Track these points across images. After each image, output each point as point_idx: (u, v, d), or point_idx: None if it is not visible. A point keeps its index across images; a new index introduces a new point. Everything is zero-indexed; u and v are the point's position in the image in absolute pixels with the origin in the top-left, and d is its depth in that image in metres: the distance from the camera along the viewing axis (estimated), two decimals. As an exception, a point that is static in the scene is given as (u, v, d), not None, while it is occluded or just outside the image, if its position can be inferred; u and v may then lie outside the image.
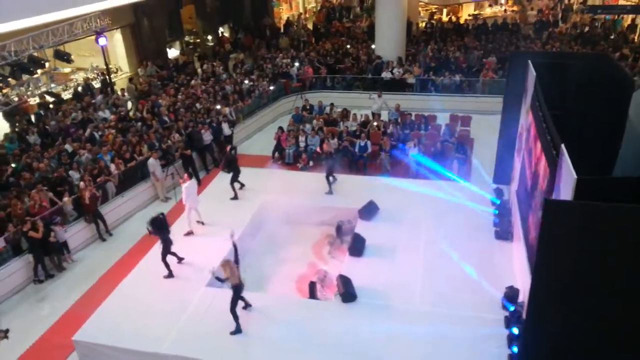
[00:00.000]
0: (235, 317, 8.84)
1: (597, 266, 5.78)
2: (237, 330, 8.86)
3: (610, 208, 5.56)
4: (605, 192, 5.88)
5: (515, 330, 8.15)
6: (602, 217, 5.60)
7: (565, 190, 6.57)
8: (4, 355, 9.50)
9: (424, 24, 27.12)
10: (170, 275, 10.35)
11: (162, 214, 10.37)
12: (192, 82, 19.68)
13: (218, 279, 8.78)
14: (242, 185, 13.35)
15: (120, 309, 9.60)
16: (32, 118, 16.96)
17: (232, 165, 13.19)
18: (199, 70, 21.62)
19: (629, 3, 24.96)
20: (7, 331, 8.97)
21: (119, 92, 18.79)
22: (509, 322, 8.52)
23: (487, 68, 19.70)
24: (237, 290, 8.73)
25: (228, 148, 13.58)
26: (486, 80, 19.44)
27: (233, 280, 8.63)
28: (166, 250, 10.23)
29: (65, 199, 12.50)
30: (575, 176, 6.10)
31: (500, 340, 8.34)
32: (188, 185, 11.64)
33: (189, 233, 11.68)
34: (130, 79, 20.19)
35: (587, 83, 10.14)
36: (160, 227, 10.10)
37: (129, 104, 18.39)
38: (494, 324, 8.67)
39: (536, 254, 6.09)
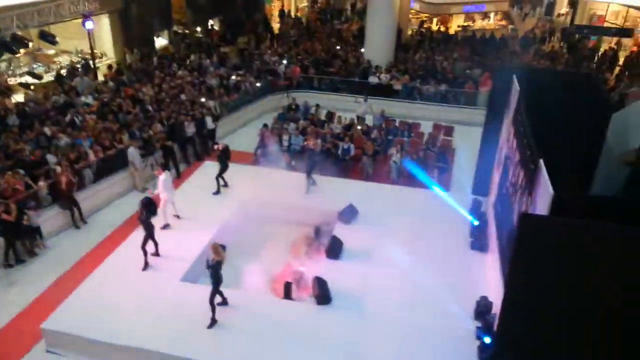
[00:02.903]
0: (213, 309, 8.84)
1: (570, 282, 5.86)
2: (213, 322, 8.87)
3: (586, 225, 5.65)
4: (581, 210, 5.99)
5: (487, 340, 8.25)
6: (576, 234, 5.68)
7: (542, 205, 6.68)
8: (-33, 340, 9.30)
9: (414, 32, 27.33)
10: (146, 266, 10.26)
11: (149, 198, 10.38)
12: (179, 72, 19.50)
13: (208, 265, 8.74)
14: (226, 183, 13.31)
15: (92, 299, 9.45)
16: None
17: (224, 159, 13.10)
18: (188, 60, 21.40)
19: (613, 25, 25.52)
20: None
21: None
22: (480, 333, 8.62)
23: (486, 78, 19.74)
24: (217, 270, 8.66)
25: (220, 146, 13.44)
26: (470, 92, 19.64)
27: (218, 258, 8.62)
28: (149, 236, 10.15)
29: (41, 183, 12.27)
30: (552, 192, 6.21)
31: (471, 350, 8.43)
32: (164, 178, 11.52)
33: (166, 226, 11.57)
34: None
35: (569, 101, 10.32)
36: (151, 210, 10.04)
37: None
38: (465, 333, 8.78)
39: (510, 266, 6.17)
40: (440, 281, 9.87)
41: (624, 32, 24.11)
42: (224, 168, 13.16)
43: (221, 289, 8.96)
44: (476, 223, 11.63)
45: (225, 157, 13.16)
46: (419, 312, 9.26)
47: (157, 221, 11.29)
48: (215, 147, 13.24)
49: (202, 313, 8.88)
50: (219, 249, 8.70)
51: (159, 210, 11.60)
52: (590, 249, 5.65)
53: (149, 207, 10.05)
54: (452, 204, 12.50)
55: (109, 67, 19.54)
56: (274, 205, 12.28)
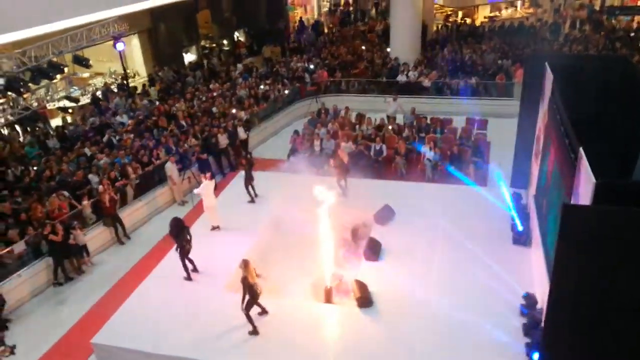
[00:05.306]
0: (249, 318, 8.91)
1: (617, 273, 5.68)
2: (254, 332, 8.93)
3: (631, 213, 5.46)
4: (625, 197, 5.79)
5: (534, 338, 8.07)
6: (621, 222, 5.49)
7: (584, 194, 6.49)
8: (23, 357, 9.67)
9: (439, 27, 27.02)
10: (188, 277, 10.49)
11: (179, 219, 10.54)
12: (211, 85, 19.85)
13: None
14: (256, 195, 13.47)
15: (139, 312, 9.70)
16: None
17: (248, 167, 13.41)
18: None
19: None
20: (13, 347, 9.57)
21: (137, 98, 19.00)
22: (527, 329, 8.43)
23: (518, 68, 19.24)
24: (251, 292, 8.76)
25: (243, 160, 13.86)
26: (502, 83, 19.27)
27: (250, 279, 8.68)
28: (183, 255, 10.38)
29: (85, 202, 12.68)
30: (594, 180, 6.02)
31: (518, 347, 8.25)
32: (205, 184, 11.81)
33: (216, 228, 12.05)
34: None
35: (605, 86, 10.00)
36: (177, 231, 10.21)
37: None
38: (512, 330, 8.59)
39: (554, 260, 6.02)
40: (483, 278, 9.71)
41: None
42: (248, 176, 13.34)
43: (262, 297, 9.03)
44: (516, 217, 11.37)
45: (248, 166, 13.42)
46: (462, 311, 9.09)
47: (200, 230, 11.57)
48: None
49: (247, 322, 8.99)
50: (246, 264, 8.81)
51: (204, 215, 12.14)
52: (636, 237, 5.46)
53: (174, 227, 10.21)
54: (490, 198, 12.28)
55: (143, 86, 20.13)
56: (309, 211, 12.30)
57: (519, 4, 30.04)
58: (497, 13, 29.51)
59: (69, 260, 11.86)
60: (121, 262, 12.22)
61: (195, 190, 12.16)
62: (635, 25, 23.59)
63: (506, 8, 29.91)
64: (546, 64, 10.78)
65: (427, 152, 14.75)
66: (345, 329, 9.10)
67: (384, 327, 8.98)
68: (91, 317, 10.38)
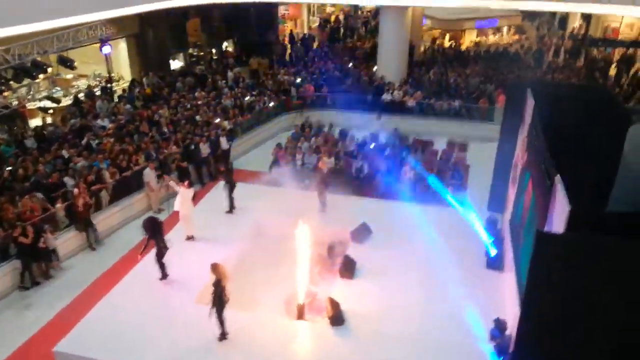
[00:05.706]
0: (221, 321, 8.80)
1: (588, 300, 5.70)
2: (222, 337, 8.87)
3: (604, 241, 5.49)
4: (599, 226, 5.84)
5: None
6: (594, 251, 5.53)
7: (558, 221, 6.53)
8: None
9: (426, 48, 27.32)
10: (164, 277, 10.47)
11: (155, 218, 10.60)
12: (196, 94, 19.71)
13: None
14: (234, 207, 13.42)
15: (105, 321, 9.47)
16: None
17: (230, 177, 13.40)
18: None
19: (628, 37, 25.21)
20: None
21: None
22: (497, 354, 8.40)
23: (501, 93, 19.49)
24: (220, 298, 8.61)
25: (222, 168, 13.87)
26: (484, 107, 19.48)
27: (224, 281, 8.60)
28: (159, 256, 10.34)
29: (58, 205, 12.42)
30: (569, 207, 6.06)
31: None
32: (182, 192, 11.64)
33: (190, 238, 11.91)
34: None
35: (585, 114, 10.16)
36: (152, 228, 10.16)
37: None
38: (482, 354, 8.56)
39: (526, 285, 6.02)
40: (455, 301, 9.70)
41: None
42: (229, 185, 13.37)
43: (234, 312, 8.90)
44: (491, 241, 11.42)
45: (228, 175, 13.46)
46: (433, 333, 9.08)
47: (177, 236, 11.46)
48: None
49: (216, 333, 8.83)
50: (218, 267, 8.70)
51: (180, 225, 12.02)
52: (608, 266, 5.49)
53: (149, 226, 10.19)
54: (467, 221, 12.33)
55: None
56: (287, 225, 12.20)
57: (505, 30, 30.56)
58: (483, 38, 29.97)
59: (37, 264, 11.55)
60: (91, 268, 11.93)
61: (180, 213, 12.00)
62: (616, 57, 24.08)
63: (493, 34, 30.41)
64: (528, 90, 10.93)
65: (408, 172, 14.76)
66: (315, 346, 9.00)
67: (354, 345, 8.90)
68: (56, 324, 10.08)
